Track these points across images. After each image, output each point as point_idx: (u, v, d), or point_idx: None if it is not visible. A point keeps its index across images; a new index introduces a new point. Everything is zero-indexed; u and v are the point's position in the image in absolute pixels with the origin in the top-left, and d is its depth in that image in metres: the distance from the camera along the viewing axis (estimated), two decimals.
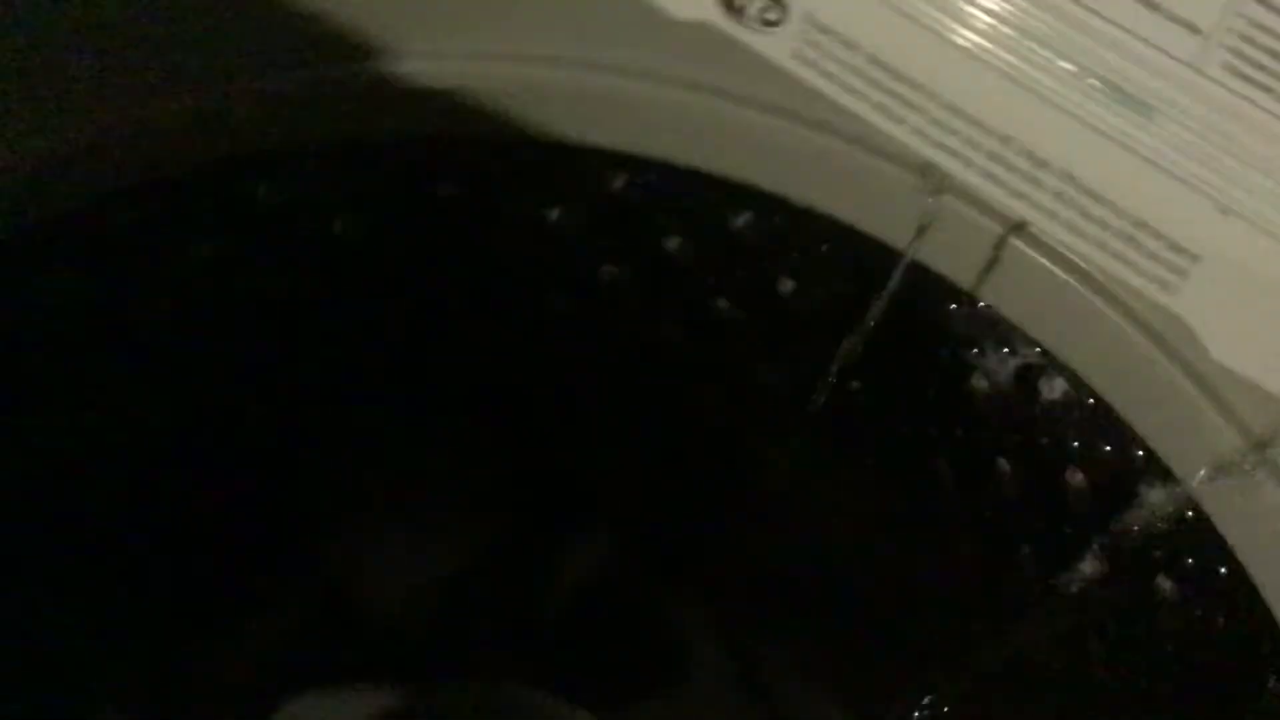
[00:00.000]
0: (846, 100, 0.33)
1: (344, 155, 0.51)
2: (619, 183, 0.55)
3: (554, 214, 0.57)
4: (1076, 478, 0.54)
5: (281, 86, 0.47)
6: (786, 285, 0.57)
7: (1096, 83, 0.26)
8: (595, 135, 0.50)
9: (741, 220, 0.55)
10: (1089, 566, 0.55)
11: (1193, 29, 0.25)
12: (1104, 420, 0.50)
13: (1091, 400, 0.50)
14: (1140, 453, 0.49)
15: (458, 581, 0.68)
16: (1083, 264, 0.39)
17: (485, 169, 0.53)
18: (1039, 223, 0.32)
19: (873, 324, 0.46)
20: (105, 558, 0.54)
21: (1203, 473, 0.43)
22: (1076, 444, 0.53)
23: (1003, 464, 0.58)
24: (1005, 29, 0.27)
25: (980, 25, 0.28)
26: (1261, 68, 0.24)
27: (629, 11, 0.44)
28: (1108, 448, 0.52)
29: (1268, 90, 0.24)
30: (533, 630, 0.68)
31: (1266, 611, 0.47)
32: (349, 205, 0.53)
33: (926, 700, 0.58)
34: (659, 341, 0.60)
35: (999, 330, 0.52)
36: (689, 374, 0.59)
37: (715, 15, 0.33)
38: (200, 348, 0.53)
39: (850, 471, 0.59)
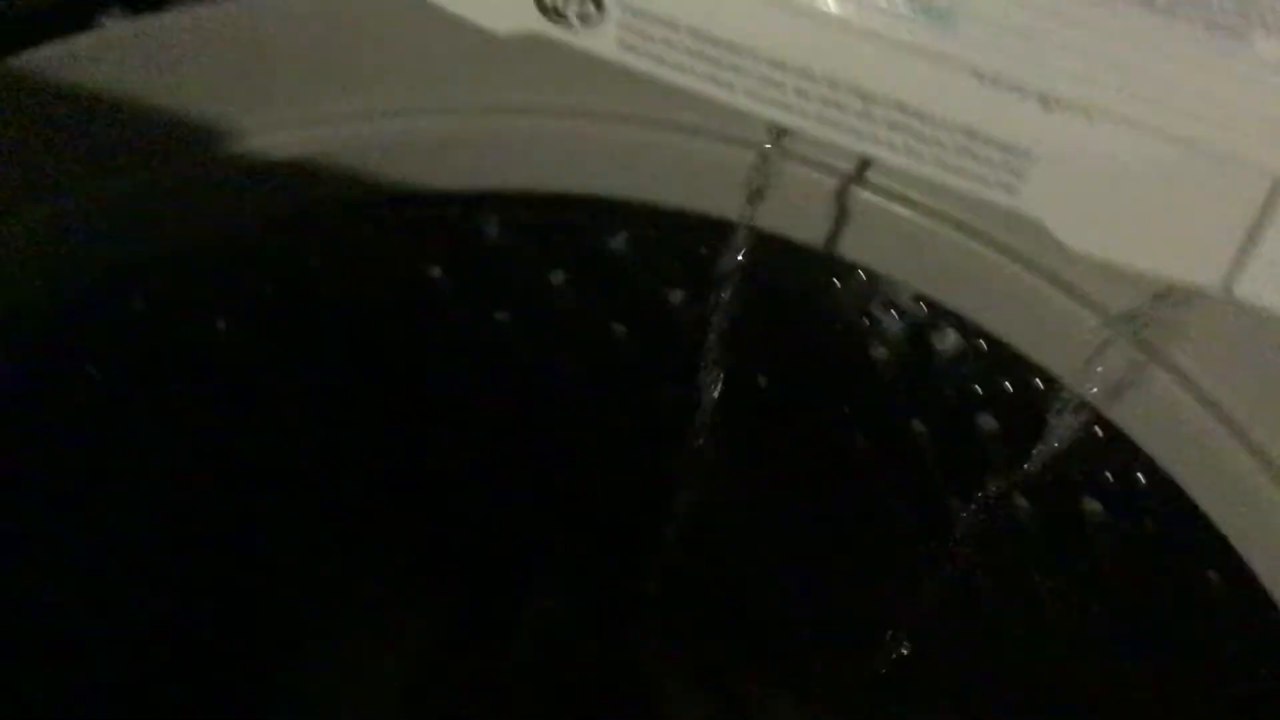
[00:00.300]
0: (679, 79, 0.34)
1: (215, 251, 0.51)
2: (491, 226, 0.56)
3: (435, 271, 0.58)
4: (988, 421, 0.56)
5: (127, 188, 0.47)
6: (676, 296, 0.59)
7: (900, 4, 0.28)
8: (458, 180, 0.51)
9: (618, 239, 0.56)
10: (1019, 505, 0.56)
11: None
12: (996, 353, 0.51)
13: (980, 338, 0.52)
14: (1038, 380, 0.51)
15: (418, 678, 0.67)
16: (930, 201, 0.41)
17: (358, 234, 0.53)
18: (880, 157, 0.33)
19: (737, 302, 0.47)
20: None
21: (1093, 374, 0.45)
22: (977, 386, 0.55)
23: (916, 424, 0.59)
24: None
25: None
26: None
27: (462, 48, 0.45)
28: (1006, 382, 0.53)
29: None
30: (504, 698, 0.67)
31: (1193, 506, 0.49)
32: (229, 302, 0.53)
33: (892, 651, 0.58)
34: (556, 375, 0.60)
35: (872, 286, 0.53)
36: (585, 402, 0.60)
37: (537, 23, 0.34)
38: (99, 461, 0.52)
39: (766, 466, 0.60)
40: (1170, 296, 0.39)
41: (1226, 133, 0.26)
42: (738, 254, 0.44)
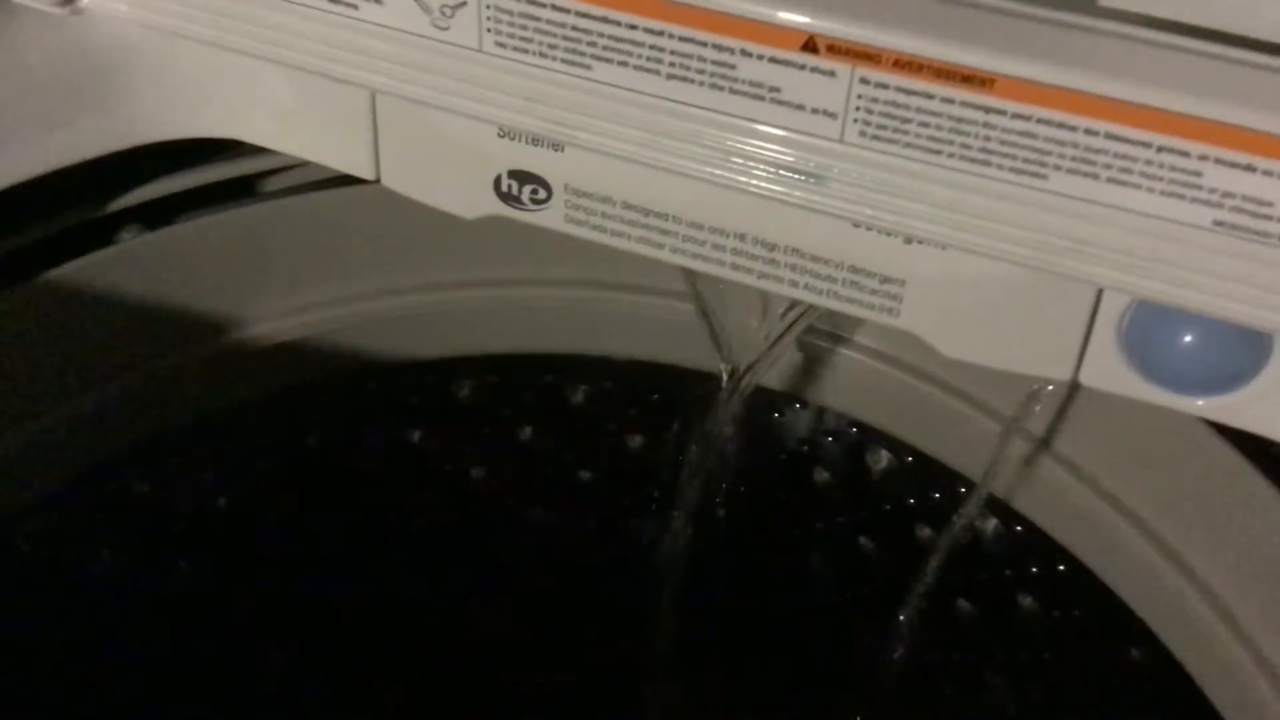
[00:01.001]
0: (617, 243, 0.41)
1: (219, 425, 0.57)
2: (465, 390, 0.63)
3: (416, 436, 0.64)
4: (924, 533, 0.62)
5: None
6: (635, 440, 0.65)
7: (787, 172, 0.35)
8: (441, 349, 0.58)
9: (583, 392, 0.63)
10: (962, 608, 0.62)
11: (830, 114, 0.34)
12: (918, 465, 0.58)
13: (910, 457, 0.59)
14: (961, 487, 0.58)
15: None
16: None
17: (353, 407, 0.60)
18: (785, 294, 0.40)
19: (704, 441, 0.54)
20: None
21: (997, 470, 0.51)
22: (912, 500, 0.62)
23: (864, 542, 0.65)
24: (703, 148, 0.36)
25: (693, 152, 0.37)
26: (884, 129, 0.34)
27: (436, 231, 0.53)
28: (937, 494, 0.60)
29: (893, 142, 0.34)
30: None
31: (1105, 590, 0.55)
32: (231, 469, 0.59)
33: None
34: (529, 522, 0.66)
35: (814, 417, 0.61)
36: (551, 547, 0.66)
37: (497, 207, 0.42)
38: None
39: (730, 594, 0.65)
40: (1041, 394, 0.46)
41: (1041, 251, 0.34)
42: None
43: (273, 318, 0.54)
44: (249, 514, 0.59)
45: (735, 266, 0.40)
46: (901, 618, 0.56)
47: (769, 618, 0.67)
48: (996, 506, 0.55)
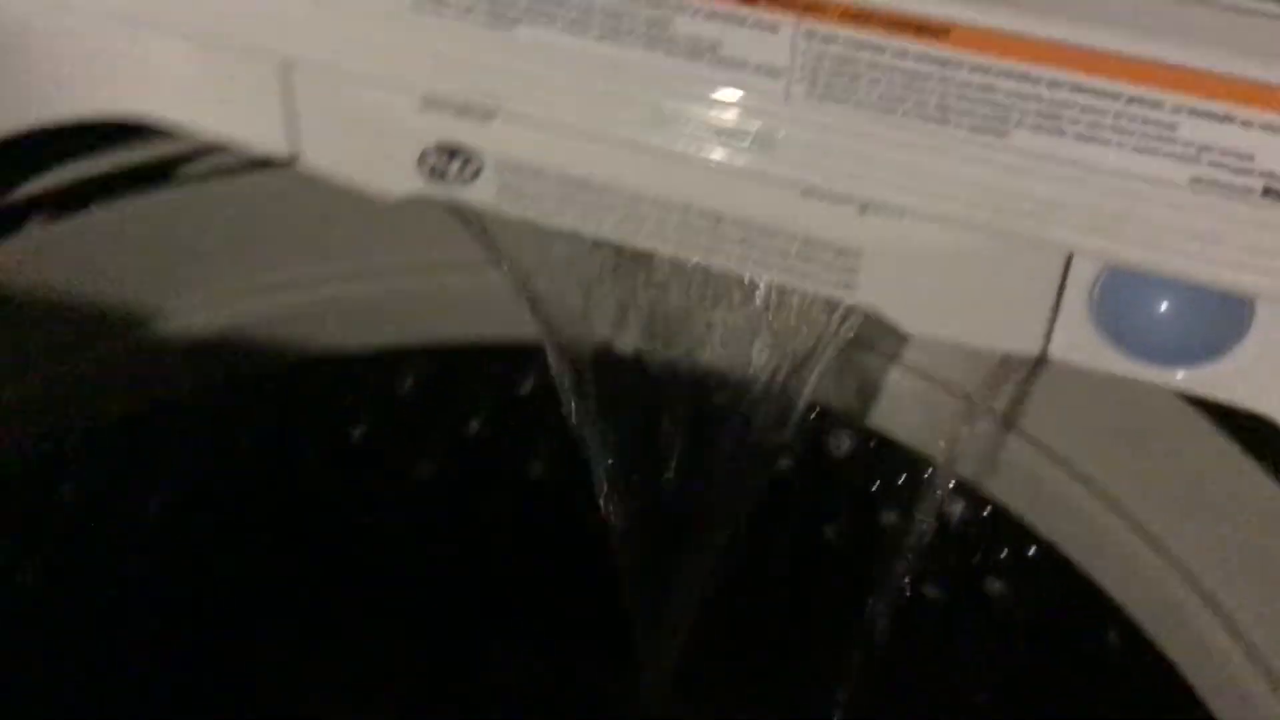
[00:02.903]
0: (553, 220, 0.38)
1: (145, 423, 0.54)
2: (406, 384, 0.60)
3: (355, 434, 0.61)
4: (890, 518, 0.60)
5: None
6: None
7: (729, 137, 0.33)
8: (377, 339, 0.55)
9: (532, 381, 0.60)
10: (930, 593, 0.59)
11: (774, 72, 0.31)
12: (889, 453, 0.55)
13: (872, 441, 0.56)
14: (928, 470, 0.55)
15: None
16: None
17: (285, 405, 0.57)
18: (734, 269, 0.37)
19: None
20: None
21: (960, 452, 0.49)
22: (876, 486, 0.59)
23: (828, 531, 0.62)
24: (638, 113, 0.33)
25: (630, 117, 0.34)
26: (832, 86, 0.31)
27: (366, 213, 0.49)
28: (905, 477, 0.57)
29: (844, 101, 0.31)
30: None
31: (1078, 574, 0.53)
32: (161, 468, 0.56)
33: None
34: (480, 520, 0.63)
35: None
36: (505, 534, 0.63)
37: (422, 186, 0.39)
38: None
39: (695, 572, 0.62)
40: (1007, 371, 0.44)
41: (1005, 215, 0.31)
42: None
43: (193, 310, 0.51)
44: (175, 525, 0.56)
45: (680, 243, 0.38)
46: (871, 606, 0.54)
47: (735, 608, 0.64)
48: (964, 491, 0.53)
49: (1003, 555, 0.56)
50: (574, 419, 0.48)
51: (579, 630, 0.64)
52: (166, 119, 0.41)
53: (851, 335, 0.42)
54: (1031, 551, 0.55)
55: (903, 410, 0.51)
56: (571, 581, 0.62)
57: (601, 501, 0.50)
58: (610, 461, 0.51)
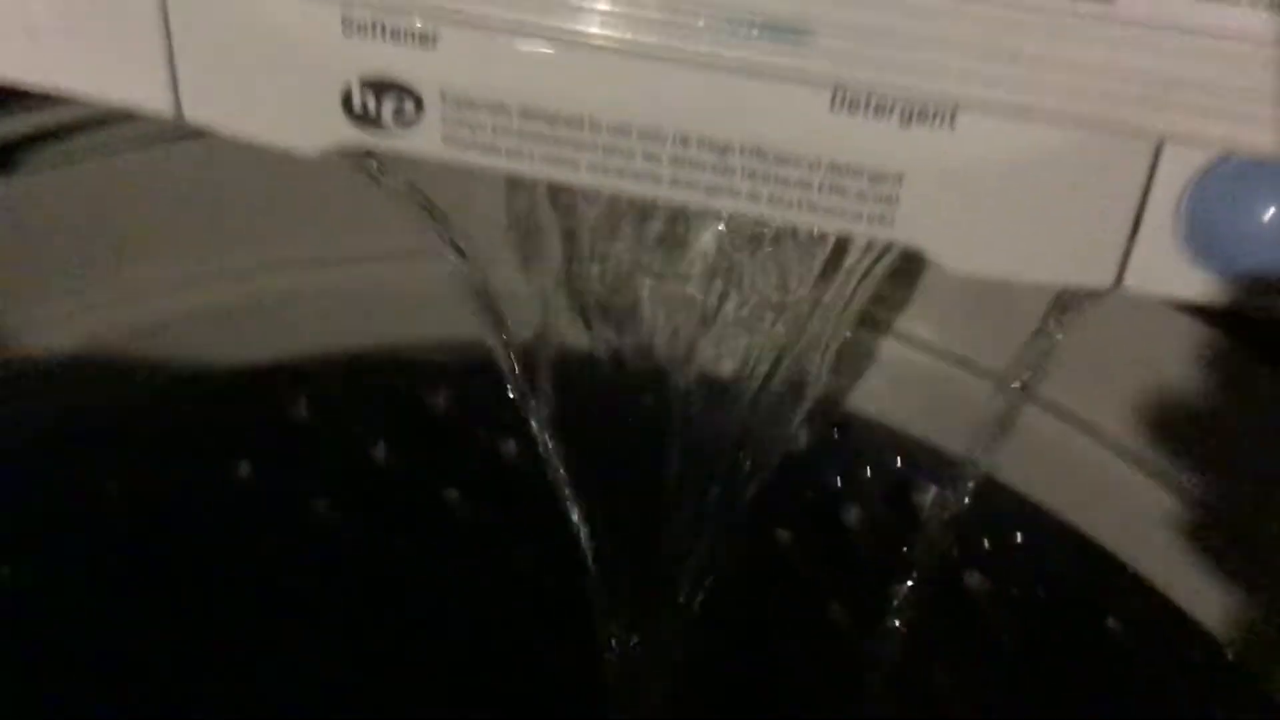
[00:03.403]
0: (515, 166, 0.31)
1: None
2: (300, 405, 0.51)
3: (243, 467, 0.52)
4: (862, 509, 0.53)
5: None
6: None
7: (746, 28, 0.26)
8: (266, 351, 0.46)
9: (442, 396, 0.52)
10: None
11: None
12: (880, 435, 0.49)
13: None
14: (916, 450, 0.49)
15: None
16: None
17: (157, 436, 0.48)
18: (745, 211, 0.31)
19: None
20: None
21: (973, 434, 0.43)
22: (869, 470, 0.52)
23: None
24: (637, 10, 0.27)
25: (610, 17, 0.27)
26: None
27: (257, 195, 0.41)
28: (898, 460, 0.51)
29: None
30: None
31: (1099, 548, 0.47)
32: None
33: None
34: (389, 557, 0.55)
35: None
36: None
37: (349, 134, 0.31)
38: None
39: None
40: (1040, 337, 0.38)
41: (1103, 102, 0.26)
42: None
43: (46, 325, 0.41)
44: (37, 577, 0.46)
45: (676, 182, 0.31)
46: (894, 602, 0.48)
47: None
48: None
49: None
50: (537, 434, 0.41)
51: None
52: (8, 71, 0.32)
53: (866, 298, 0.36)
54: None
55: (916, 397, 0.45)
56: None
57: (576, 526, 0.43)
58: (575, 485, 0.44)
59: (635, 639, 0.50)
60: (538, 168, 0.31)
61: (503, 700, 0.56)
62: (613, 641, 0.49)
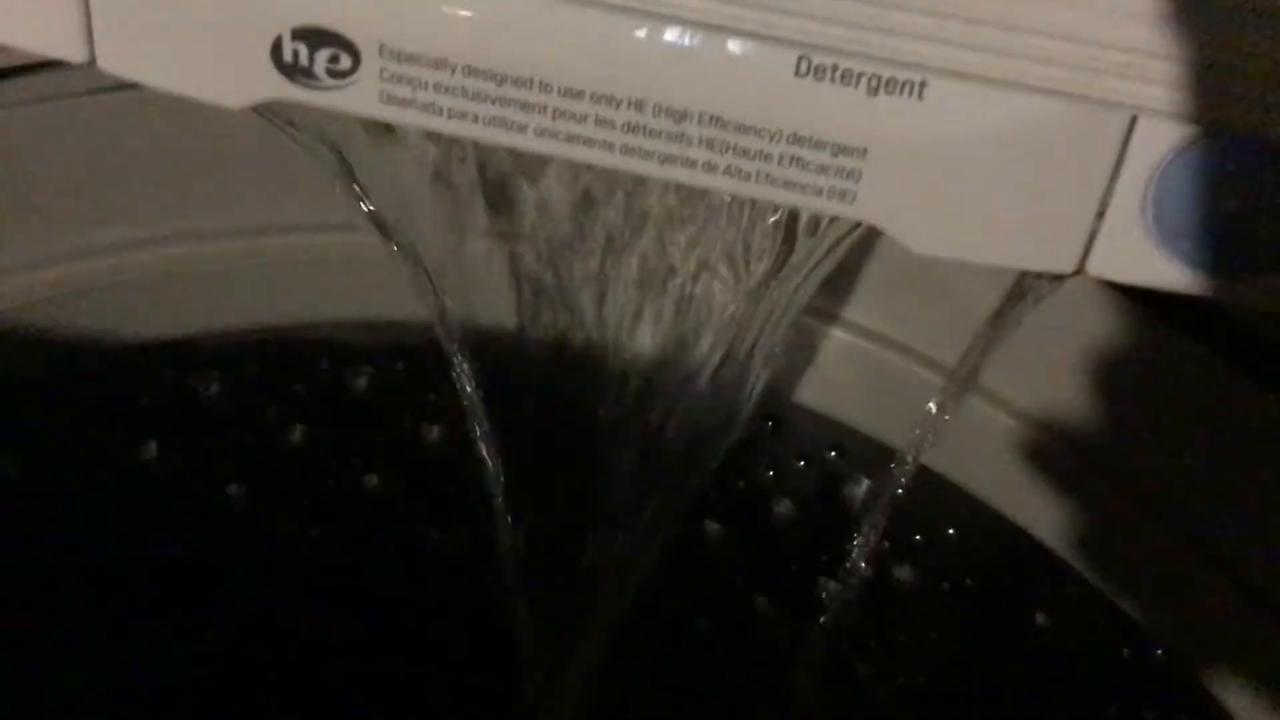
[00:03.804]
0: (456, 128, 0.29)
1: None
2: (212, 384, 0.49)
3: (150, 449, 0.50)
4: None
5: None
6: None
7: None
8: (173, 327, 0.44)
9: (364, 377, 0.50)
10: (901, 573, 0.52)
11: None
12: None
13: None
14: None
15: None
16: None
17: (60, 415, 0.45)
18: (700, 184, 0.29)
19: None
20: None
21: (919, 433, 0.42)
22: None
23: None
24: None
25: None
26: None
27: (162, 153, 0.39)
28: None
29: None
30: None
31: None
32: None
33: None
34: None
35: None
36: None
37: (279, 89, 0.29)
38: None
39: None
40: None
41: (1079, 72, 0.25)
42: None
43: None
44: None
45: (628, 150, 0.29)
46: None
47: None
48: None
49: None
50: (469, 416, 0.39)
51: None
52: None
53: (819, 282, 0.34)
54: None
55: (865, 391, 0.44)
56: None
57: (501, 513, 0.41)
58: (504, 473, 0.42)
59: (559, 632, 0.49)
60: (482, 131, 0.29)
61: (416, 694, 0.54)
62: (533, 633, 0.47)
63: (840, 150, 0.28)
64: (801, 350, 0.44)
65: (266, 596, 0.51)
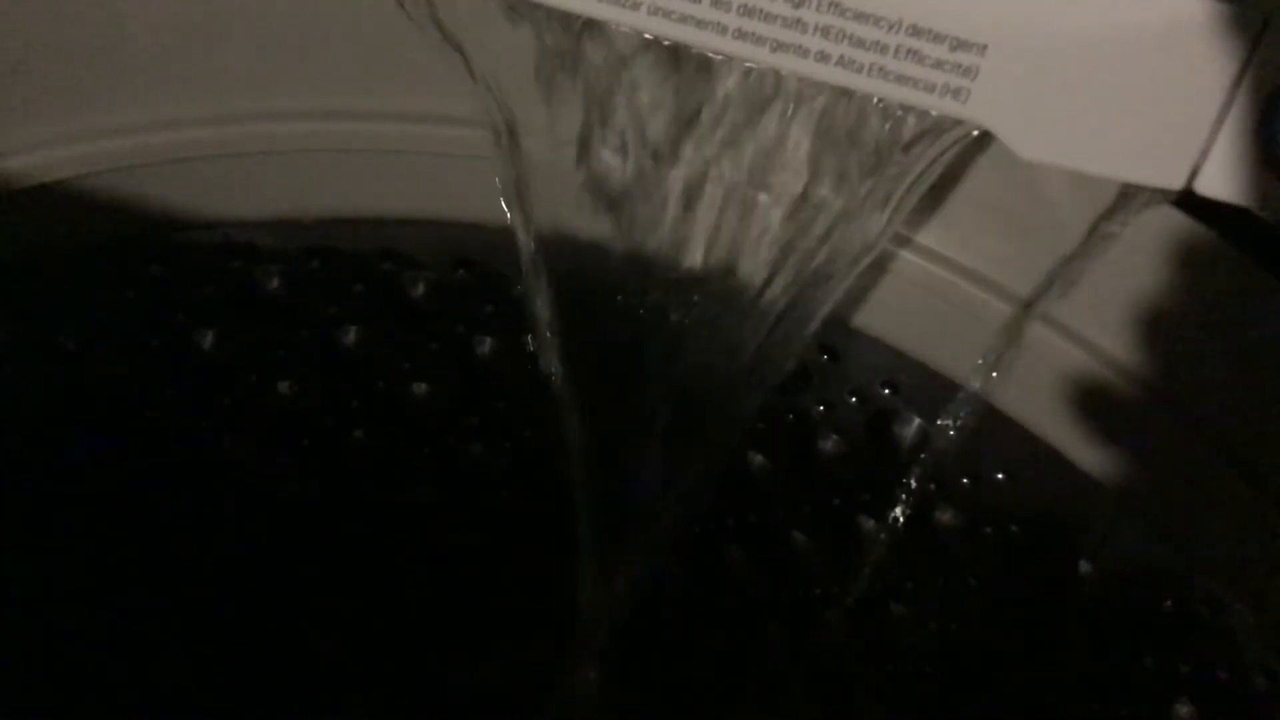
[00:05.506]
0: (571, 4, 0.29)
1: None
2: (273, 280, 0.48)
3: (207, 340, 0.50)
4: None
5: None
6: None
7: None
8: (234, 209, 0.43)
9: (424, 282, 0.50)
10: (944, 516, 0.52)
11: None
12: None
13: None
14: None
15: None
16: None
17: (109, 301, 0.44)
18: (811, 74, 0.29)
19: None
20: None
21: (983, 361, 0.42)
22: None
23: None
24: None
25: None
26: None
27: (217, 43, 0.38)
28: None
29: None
30: None
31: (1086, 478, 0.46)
32: None
33: None
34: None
35: None
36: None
37: None
38: None
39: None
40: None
41: None
42: None
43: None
44: None
45: (740, 34, 0.29)
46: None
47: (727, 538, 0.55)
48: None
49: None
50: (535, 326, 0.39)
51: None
52: None
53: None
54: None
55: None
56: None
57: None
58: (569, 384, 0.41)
59: (607, 549, 0.49)
60: (595, 8, 0.29)
61: (471, 608, 0.54)
62: (587, 545, 0.47)
63: (959, 45, 0.28)
64: (869, 273, 0.43)
65: (310, 494, 0.51)
